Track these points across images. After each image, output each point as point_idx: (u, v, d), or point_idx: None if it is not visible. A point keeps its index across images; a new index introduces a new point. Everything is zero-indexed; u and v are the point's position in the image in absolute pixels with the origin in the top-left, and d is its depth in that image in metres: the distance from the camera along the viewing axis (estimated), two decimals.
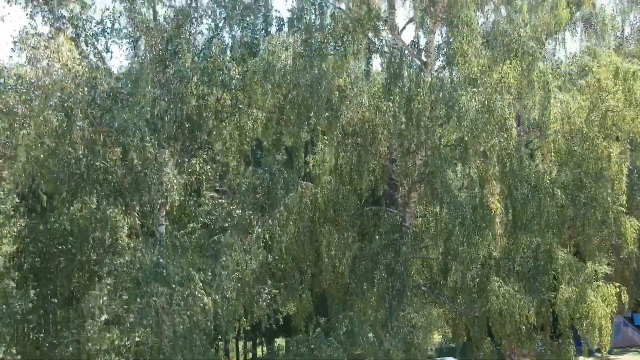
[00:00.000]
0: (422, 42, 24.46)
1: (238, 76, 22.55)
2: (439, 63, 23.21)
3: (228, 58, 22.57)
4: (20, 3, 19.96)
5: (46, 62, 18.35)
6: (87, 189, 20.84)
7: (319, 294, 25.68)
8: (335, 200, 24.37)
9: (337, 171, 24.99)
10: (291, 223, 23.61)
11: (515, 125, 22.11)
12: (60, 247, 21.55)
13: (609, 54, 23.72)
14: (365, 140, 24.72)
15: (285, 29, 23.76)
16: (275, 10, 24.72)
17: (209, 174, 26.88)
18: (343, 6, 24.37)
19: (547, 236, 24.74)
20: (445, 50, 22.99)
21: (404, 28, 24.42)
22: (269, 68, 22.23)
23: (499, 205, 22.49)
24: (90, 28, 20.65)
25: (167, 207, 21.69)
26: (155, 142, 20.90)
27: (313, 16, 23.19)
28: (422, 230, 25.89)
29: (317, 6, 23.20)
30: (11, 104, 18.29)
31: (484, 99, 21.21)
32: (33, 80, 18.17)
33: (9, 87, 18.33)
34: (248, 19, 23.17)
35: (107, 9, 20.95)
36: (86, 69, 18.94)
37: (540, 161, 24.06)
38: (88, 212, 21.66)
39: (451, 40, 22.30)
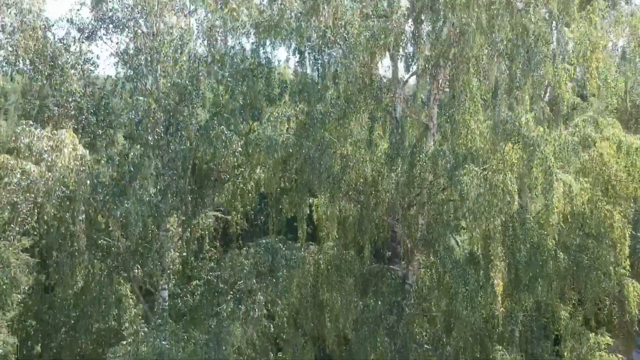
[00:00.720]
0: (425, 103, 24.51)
1: (240, 149, 22.62)
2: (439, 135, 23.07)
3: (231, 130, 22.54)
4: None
5: (49, 159, 18.52)
6: (89, 262, 21.21)
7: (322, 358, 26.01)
8: (338, 265, 24.53)
9: (339, 230, 25.17)
10: (294, 288, 23.84)
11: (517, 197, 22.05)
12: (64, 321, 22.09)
13: (612, 123, 23.56)
14: (367, 199, 24.81)
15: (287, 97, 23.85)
16: (279, 73, 24.90)
17: (212, 228, 27.44)
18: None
19: (549, 295, 24.82)
20: (447, 118, 22.89)
21: (405, 81, 24.23)
22: (271, 144, 22.34)
23: (501, 266, 22.55)
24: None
25: (169, 272, 22.04)
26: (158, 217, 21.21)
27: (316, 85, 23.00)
28: (426, 285, 26.07)
29: (319, 74, 23.04)
30: (15, 200, 18.51)
31: (486, 178, 21.16)
32: (36, 179, 18.36)
33: (13, 183, 18.53)
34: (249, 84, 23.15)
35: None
36: (88, 164, 19.11)
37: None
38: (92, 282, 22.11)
39: (453, 111, 22.18)
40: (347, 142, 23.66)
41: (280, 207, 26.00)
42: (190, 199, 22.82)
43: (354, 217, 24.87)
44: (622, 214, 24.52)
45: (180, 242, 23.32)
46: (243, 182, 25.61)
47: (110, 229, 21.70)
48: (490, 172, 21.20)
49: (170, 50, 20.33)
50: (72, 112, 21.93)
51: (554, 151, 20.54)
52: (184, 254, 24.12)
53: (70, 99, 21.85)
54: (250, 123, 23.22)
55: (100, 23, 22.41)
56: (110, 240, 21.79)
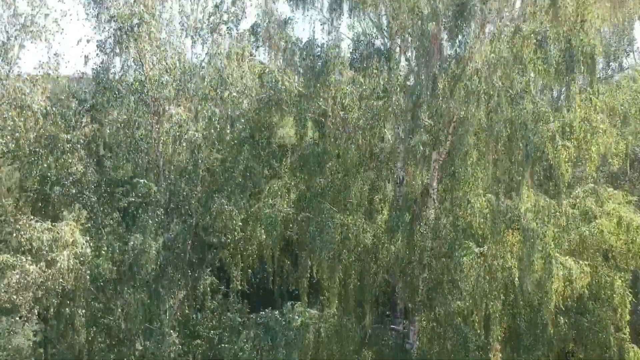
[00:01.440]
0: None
1: (240, 224, 22.73)
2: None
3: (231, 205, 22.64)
4: None
5: (49, 257, 18.67)
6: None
7: None
8: (339, 331, 24.63)
9: (340, 296, 25.24)
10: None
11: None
12: None
13: (613, 195, 23.53)
14: (367, 266, 24.91)
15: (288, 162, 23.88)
16: (279, 138, 24.94)
17: (214, 284, 27.57)
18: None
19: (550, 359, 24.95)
20: (447, 195, 22.90)
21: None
22: (271, 222, 22.42)
23: (499, 347, 22.69)
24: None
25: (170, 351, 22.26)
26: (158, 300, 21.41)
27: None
28: (425, 345, 26.18)
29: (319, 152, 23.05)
30: (14, 298, 18.69)
31: (486, 258, 21.23)
32: (36, 278, 18.53)
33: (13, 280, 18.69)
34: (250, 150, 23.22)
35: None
36: (88, 259, 19.25)
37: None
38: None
39: (455, 188, 22.17)
40: (347, 212, 23.61)
41: (282, 268, 26.14)
42: (190, 273, 22.96)
43: (354, 284, 24.91)
44: (622, 279, 24.55)
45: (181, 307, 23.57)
46: (243, 246, 25.71)
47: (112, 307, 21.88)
48: (490, 255, 21.23)
49: (170, 139, 20.33)
50: (73, 191, 22.03)
51: (554, 237, 20.52)
52: (186, 311, 24.32)
53: (70, 178, 21.95)
54: (251, 196, 23.32)
55: (101, 95, 22.50)
56: (110, 318, 21.97)
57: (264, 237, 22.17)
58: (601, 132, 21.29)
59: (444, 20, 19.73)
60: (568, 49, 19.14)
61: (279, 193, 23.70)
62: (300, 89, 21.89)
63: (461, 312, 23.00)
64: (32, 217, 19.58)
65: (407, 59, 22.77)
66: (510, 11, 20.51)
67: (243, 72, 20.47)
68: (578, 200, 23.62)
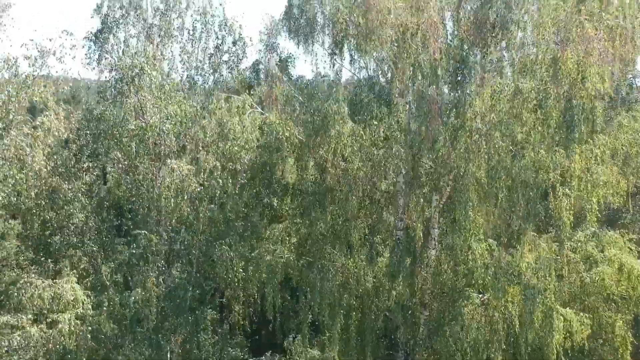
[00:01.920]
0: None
1: (241, 270, 22.80)
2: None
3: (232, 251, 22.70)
4: None
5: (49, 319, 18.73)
6: None
7: None
8: None
9: (341, 338, 25.29)
10: None
11: None
12: None
13: (614, 240, 23.52)
14: (368, 310, 24.95)
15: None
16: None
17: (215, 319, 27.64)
18: None
19: None
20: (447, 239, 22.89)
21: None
22: (271, 270, 22.47)
23: None
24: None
25: None
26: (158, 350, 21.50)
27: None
28: None
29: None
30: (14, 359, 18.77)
31: (486, 307, 21.26)
32: (37, 340, 18.60)
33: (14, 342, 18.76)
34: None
35: None
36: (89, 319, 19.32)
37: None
38: None
39: (455, 237, 22.16)
40: (349, 256, 23.64)
41: (283, 307, 26.17)
42: (190, 319, 23.02)
43: (356, 325, 24.93)
44: (622, 320, 24.57)
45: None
46: (245, 285, 25.78)
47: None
48: (491, 307, 21.26)
49: (171, 192, 20.37)
50: (74, 239, 22.10)
51: (555, 290, 20.54)
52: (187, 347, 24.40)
53: (71, 227, 22.03)
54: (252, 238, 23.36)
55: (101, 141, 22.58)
56: None
57: (265, 278, 22.19)
58: (602, 184, 21.18)
59: (444, 76, 19.66)
60: (569, 109, 19.06)
61: (280, 238, 23.77)
62: (301, 137, 21.85)
63: (464, 352, 22.92)
64: (32, 272, 19.58)
65: (407, 102, 22.65)
66: (510, 64, 20.39)
67: (244, 126, 20.40)
68: (579, 244, 23.58)
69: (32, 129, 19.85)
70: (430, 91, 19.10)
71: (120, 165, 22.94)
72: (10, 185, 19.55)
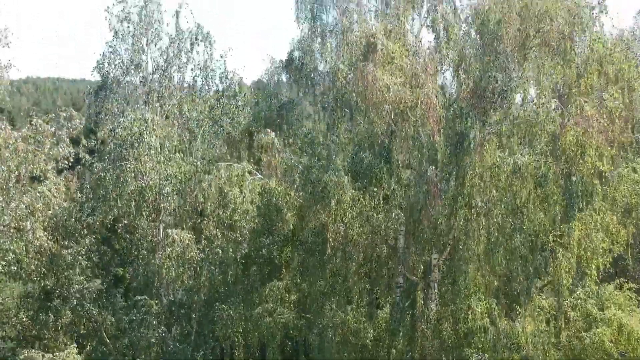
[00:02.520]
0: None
1: (240, 330, 22.92)
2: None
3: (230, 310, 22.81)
4: None
5: None
6: None
7: None
8: None
9: None
10: None
11: None
12: None
13: (615, 297, 23.55)
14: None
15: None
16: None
17: None
18: None
19: None
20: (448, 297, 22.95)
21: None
22: (270, 333, 22.57)
23: None
24: None
25: None
26: None
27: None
28: None
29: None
30: None
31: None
32: None
33: None
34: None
35: None
36: None
37: None
38: None
39: (454, 296, 22.21)
40: (347, 313, 23.70)
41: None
42: None
43: None
44: None
45: None
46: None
47: None
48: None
49: (172, 262, 20.46)
50: (75, 303, 22.21)
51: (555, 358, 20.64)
52: None
53: (72, 290, 22.14)
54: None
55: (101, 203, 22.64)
56: None
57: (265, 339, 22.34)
58: (601, 251, 21.20)
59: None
60: (568, 186, 19.07)
61: (280, 296, 23.84)
62: (301, 200, 21.88)
63: None
64: (32, 333, 19.70)
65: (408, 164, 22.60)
66: (509, 134, 20.39)
67: (244, 196, 20.45)
68: (579, 301, 23.59)
69: (33, 199, 19.84)
70: (429, 172, 19.09)
71: (121, 225, 22.93)
72: (11, 257, 19.64)
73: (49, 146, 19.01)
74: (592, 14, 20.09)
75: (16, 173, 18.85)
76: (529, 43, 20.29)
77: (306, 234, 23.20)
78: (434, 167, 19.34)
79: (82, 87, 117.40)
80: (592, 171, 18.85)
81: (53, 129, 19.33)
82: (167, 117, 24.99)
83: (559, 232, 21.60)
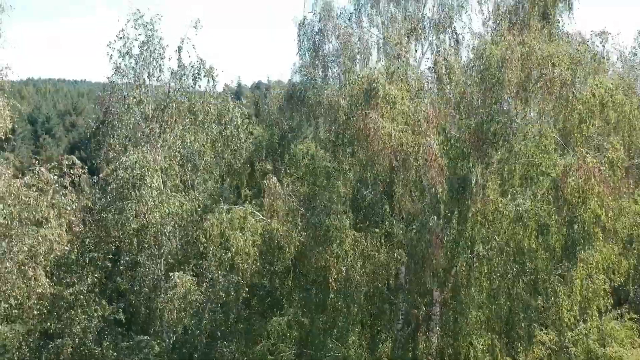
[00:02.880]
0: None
1: None
2: None
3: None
4: None
5: None
6: None
7: None
8: None
9: None
10: None
11: None
12: None
13: (616, 331, 23.66)
14: None
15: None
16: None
17: None
18: None
19: None
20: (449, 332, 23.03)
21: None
22: None
23: None
24: None
25: None
26: None
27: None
28: None
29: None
30: None
31: None
32: None
33: None
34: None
35: None
36: None
37: None
38: None
39: (456, 334, 22.29)
40: (349, 347, 23.76)
41: None
42: None
43: None
44: None
45: None
46: None
47: None
48: None
49: (174, 305, 20.53)
50: (76, 341, 22.26)
51: None
52: None
53: (73, 330, 22.19)
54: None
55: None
56: None
57: None
58: (602, 292, 21.27)
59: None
60: (570, 233, 19.12)
61: (281, 332, 23.93)
62: (302, 239, 21.90)
63: None
64: None
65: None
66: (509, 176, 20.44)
67: (245, 239, 20.50)
68: (580, 336, 23.66)
69: (35, 242, 19.81)
70: (431, 222, 19.14)
71: (122, 262, 22.99)
72: (13, 302, 19.67)
73: (51, 194, 18.94)
74: (595, 60, 20.11)
75: (18, 218, 18.82)
76: (531, 87, 20.30)
77: (307, 271, 23.28)
78: (435, 217, 19.37)
79: (82, 89, 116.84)
80: (594, 220, 18.86)
81: (56, 177, 19.29)
82: (169, 148, 24.94)
83: (560, 272, 21.66)
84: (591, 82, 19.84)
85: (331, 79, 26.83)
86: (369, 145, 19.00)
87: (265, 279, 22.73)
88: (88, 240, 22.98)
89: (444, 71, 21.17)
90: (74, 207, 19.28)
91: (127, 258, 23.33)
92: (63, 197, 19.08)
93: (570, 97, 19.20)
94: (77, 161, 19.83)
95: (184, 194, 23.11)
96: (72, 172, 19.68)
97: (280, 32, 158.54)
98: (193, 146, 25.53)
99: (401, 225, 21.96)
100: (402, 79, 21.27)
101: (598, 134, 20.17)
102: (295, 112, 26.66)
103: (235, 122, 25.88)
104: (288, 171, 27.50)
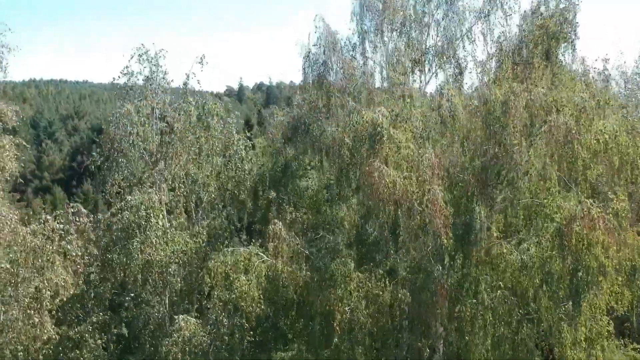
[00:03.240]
0: None
1: None
2: None
3: None
4: None
5: None
6: None
7: None
8: None
9: None
10: None
11: None
12: None
13: None
14: None
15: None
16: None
17: None
18: None
19: None
20: None
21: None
22: None
23: None
24: None
25: None
26: None
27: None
28: None
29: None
30: None
31: None
32: None
33: None
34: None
35: None
36: None
37: None
38: None
39: None
40: None
41: None
42: None
43: None
44: None
45: None
46: None
47: None
48: None
49: (179, 347, 20.62)
50: None
51: None
52: None
53: None
54: None
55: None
56: None
57: None
58: (607, 333, 21.34)
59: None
60: (574, 281, 19.18)
61: None
62: (307, 279, 21.97)
63: None
64: None
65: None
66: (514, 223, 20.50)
67: (250, 283, 20.58)
68: None
69: (41, 287, 19.90)
70: (436, 272, 19.22)
71: (128, 298, 23.09)
72: (19, 347, 19.78)
73: (57, 242, 19.02)
74: (600, 105, 20.13)
75: (24, 264, 18.92)
76: (535, 131, 20.32)
77: (312, 313, 23.35)
78: (440, 267, 19.44)
79: (84, 90, 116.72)
80: (600, 269, 18.93)
81: (61, 225, 19.37)
82: (173, 180, 25.01)
83: (564, 310, 21.72)
84: (595, 128, 19.84)
85: (335, 108, 26.83)
86: (373, 193, 19.03)
87: (270, 309, 22.79)
88: (93, 276, 23.06)
89: (448, 113, 21.18)
90: (80, 253, 19.33)
91: (132, 294, 23.39)
92: (69, 246, 19.11)
93: (575, 146, 19.22)
94: (83, 209, 19.88)
95: (188, 229, 23.18)
96: (77, 219, 19.74)
97: (280, 33, 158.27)
98: (197, 178, 25.61)
99: (405, 264, 22.05)
100: (406, 120, 21.28)
101: (602, 176, 20.17)
102: (300, 143, 26.67)
103: (240, 155, 25.96)
104: (291, 200, 27.69)
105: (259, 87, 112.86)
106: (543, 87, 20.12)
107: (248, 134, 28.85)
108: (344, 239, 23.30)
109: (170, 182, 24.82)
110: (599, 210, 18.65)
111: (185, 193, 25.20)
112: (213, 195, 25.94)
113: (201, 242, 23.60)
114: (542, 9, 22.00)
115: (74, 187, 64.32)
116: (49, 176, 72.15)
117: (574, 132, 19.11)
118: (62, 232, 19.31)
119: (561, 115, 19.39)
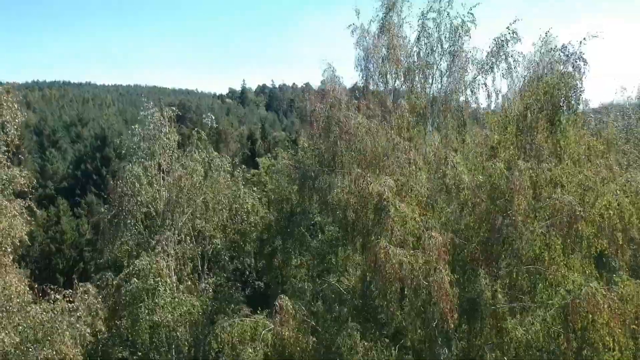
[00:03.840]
0: None
1: None
2: None
3: None
4: None
5: None
6: None
7: None
8: None
9: None
10: None
11: None
12: None
13: None
14: None
15: None
16: None
17: None
18: None
19: None
20: None
21: None
22: None
23: None
24: None
25: None
26: None
27: None
28: None
29: None
30: None
31: None
32: None
33: None
34: None
35: None
36: None
37: None
38: None
39: None
40: None
41: None
42: None
43: None
44: None
45: None
46: None
47: None
48: None
49: None
50: None
51: None
52: None
53: None
54: None
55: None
56: None
57: None
58: None
59: None
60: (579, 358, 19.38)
61: None
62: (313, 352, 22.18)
63: None
64: None
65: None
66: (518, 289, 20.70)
67: (257, 354, 20.81)
68: None
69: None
70: (442, 356, 19.42)
71: (135, 358, 23.37)
72: None
73: (66, 324, 19.23)
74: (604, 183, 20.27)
75: (34, 340, 19.17)
76: (540, 205, 20.47)
77: None
78: (447, 350, 19.65)
79: (86, 94, 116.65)
80: (603, 345, 19.10)
81: (72, 304, 19.58)
82: (179, 233, 25.25)
83: None
84: (600, 204, 19.99)
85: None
86: (379, 274, 19.23)
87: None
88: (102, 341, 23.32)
89: (452, 183, 21.36)
90: (89, 331, 19.56)
91: (140, 353, 23.66)
92: (78, 324, 19.33)
93: (580, 227, 19.39)
94: (91, 289, 20.10)
95: (195, 284, 23.47)
96: (86, 298, 19.96)
97: (281, 33, 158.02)
98: (204, 231, 25.86)
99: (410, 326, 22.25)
100: (411, 189, 21.45)
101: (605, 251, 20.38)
102: (306, 194, 26.84)
103: (246, 208, 26.20)
104: (297, 248, 27.98)
105: (262, 89, 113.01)
106: (548, 162, 20.26)
107: (249, 151, 28.78)
108: (349, 307, 23.52)
109: (177, 236, 25.04)
110: (604, 294, 18.80)
111: (190, 246, 25.44)
112: (219, 247, 26.17)
113: (207, 300, 23.83)
114: (547, 77, 22.07)
115: (77, 197, 64.52)
116: (52, 185, 72.25)
117: (578, 213, 19.25)
118: (71, 311, 19.52)
119: (566, 194, 19.53)
